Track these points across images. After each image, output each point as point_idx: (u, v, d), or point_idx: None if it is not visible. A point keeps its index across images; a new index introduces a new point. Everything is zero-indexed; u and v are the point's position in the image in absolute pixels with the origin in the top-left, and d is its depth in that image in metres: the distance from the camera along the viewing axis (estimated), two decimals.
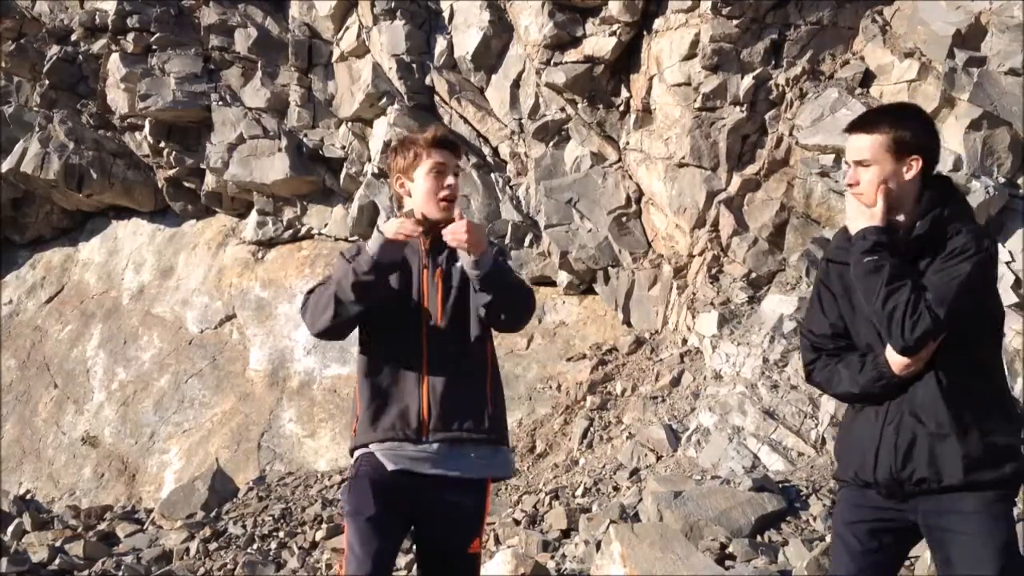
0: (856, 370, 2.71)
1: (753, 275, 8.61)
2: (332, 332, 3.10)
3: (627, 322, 9.81)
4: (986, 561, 2.55)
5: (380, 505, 2.96)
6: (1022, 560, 2.63)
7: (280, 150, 12.21)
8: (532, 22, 10.39)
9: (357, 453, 3.11)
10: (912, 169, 2.67)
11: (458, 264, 3.08)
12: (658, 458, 7.39)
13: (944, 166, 7.80)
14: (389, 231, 2.96)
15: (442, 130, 3.22)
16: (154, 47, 13.00)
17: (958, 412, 2.60)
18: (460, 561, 3.03)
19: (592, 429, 8.43)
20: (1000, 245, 7.43)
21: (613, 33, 9.88)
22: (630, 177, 10.00)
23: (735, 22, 9.04)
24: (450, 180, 3.08)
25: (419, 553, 3.16)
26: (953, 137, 7.88)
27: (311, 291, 3.15)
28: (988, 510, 2.59)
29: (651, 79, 9.78)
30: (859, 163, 2.71)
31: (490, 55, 10.93)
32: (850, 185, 2.73)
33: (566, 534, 6.32)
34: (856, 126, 2.73)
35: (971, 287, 2.57)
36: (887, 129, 2.67)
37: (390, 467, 2.98)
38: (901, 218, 2.70)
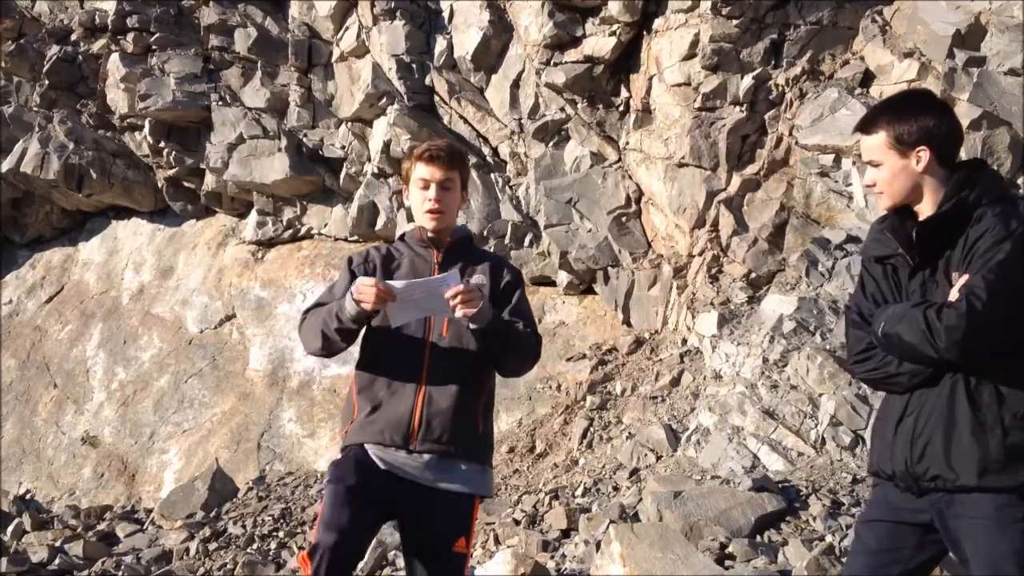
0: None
1: (753, 275, 8.61)
2: (325, 355, 3.21)
3: (627, 322, 9.81)
4: (1003, 567, 2.43)
5: (362, 480, 2.99)
6: None
7: (280, 150, 12.22)
8: (532, 22, 10.38)
9: (348, 445, 3.14)
10: (922, 161, 2.61)
11: (470, 280, 3.13)
12: (658, 458, 7.38)
13: None
14: (354, 300, 2.99)
15: (434, 145, 3.26)
16: (154, 47, 13.02)
17: (982, 411, 2.48)
18: (443, 558, 3.01)
19: (592, 429, 8.42)
20: None
21: (613, 33, 9.88)
22: (630, 177, 9.99)
23: (735, 22, 9.03)
24: (430, 194, 3.17)
25: (404, 550, 3.16)
26: None
27: (308, 310, 3.22)
28: (1000, 515, 2.45)
29: (651, 79, 9.78)
30: (869, 163, 2.71)
31: (490, 55, 10.93)
32: (868, 186, 2.70)
33: (566, 534, 6.31)
34: (858, 127, 2.73)
35: (1010, 268, 2.40)
36: (884, 127, 2.65)
37: (381, 467, 3.02)
38: (928, 211, 2.63)
